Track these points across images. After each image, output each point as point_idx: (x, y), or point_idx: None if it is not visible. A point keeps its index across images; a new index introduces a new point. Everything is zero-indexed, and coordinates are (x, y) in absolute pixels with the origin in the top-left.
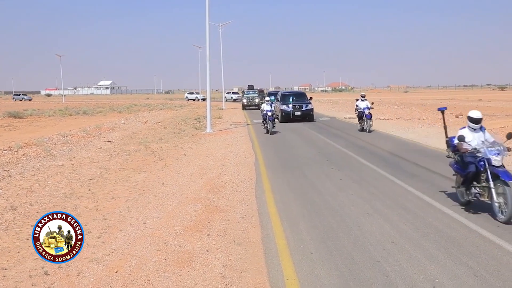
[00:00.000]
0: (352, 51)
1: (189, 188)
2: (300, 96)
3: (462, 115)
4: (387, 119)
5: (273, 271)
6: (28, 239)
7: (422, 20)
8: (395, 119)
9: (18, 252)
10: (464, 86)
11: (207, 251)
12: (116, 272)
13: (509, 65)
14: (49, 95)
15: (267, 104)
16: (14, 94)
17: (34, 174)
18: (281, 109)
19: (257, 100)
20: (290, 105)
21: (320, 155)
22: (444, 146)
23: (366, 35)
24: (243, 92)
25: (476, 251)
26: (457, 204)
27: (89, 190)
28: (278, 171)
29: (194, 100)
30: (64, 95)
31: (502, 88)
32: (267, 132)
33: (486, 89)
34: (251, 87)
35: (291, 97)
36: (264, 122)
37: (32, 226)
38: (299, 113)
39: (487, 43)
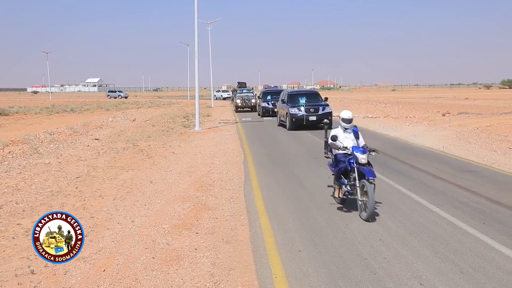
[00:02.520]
0: (340, 50)
1: (177, 186)
2: (313, 96)
3: (449, 113)
4: (375, 117)
5: (262, 269)
6: (14, 238)
7: (410, 19)
8: (383, 117)
9: (4, 251)
10: (451, 84)
11: (196, 249)
12: (104, 270)
13: (495, 64)
14: (35, 92)
15: (347, 131)
16: (109, 91)
17: (20, 172)
18: (290, 113)
19: (253, 101)
20: (303, 108)
21: (308, 152)
22: (431, 144)
23: (355, 34)
24: (234, 90)
25: (462, 248)
26: (442, 202)
27: (76, 188)
28: (267, 169)
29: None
30: (51, 92)
31: (488, 87)
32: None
33: (472, 87)
34: (242, 85)
35: (302, 97)
36: (348, 182)
37: (18, 224)
38: (314, 118)
39: (474, 42)
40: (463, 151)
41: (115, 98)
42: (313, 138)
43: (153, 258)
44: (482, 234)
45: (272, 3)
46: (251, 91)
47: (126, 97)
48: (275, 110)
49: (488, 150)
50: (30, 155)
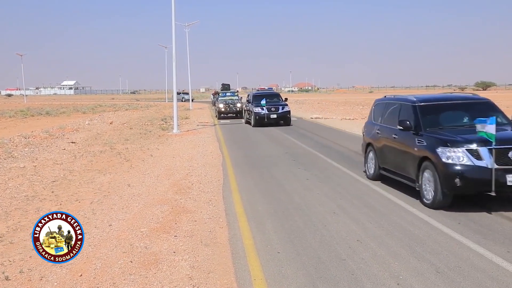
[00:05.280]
0: (318, 52)
1: (155, 189)
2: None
3: None
4: (353, 119)
5: (241, 272)
6: None
7: (387, 23)
8: (361, 119)
9: None
10: (426, 86)
11: (174, 252)
12: (81, 275)
13: (468, 66)
14: (9, 95)
15: None
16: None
17: None
18: (451, 164)
19: (238, 105)
20: (486, 152)
21: (287, 154)
22: None
23: (332, 37)
24: (217, 93)
25: (438, 248)
26: (419, 202)
27: (52, 192)
28: (246, 171)
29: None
30: (26, 95)
31: (462, 89)
32: None
33: (447, 89)
34: (226, 87)
35: (457, 114)
36: None
37: None
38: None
39: (449, 45)
40: None
41: (181, 100)
42: (292, 140)
43: (131, 262)
44: (458, 233)
45: (249, 6)
46: (236, 94)
47: (192, 100)
48: (272, 116)
49: None
50: (4, 159)
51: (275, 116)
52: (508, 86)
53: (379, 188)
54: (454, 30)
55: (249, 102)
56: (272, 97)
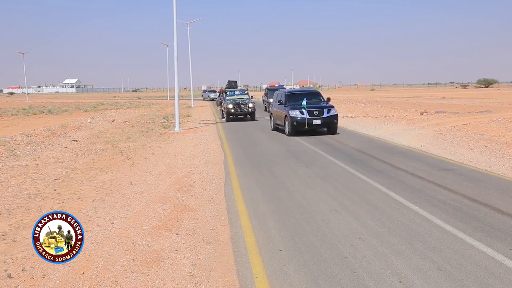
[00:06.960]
0: (319, 50)
1: (157, 187)
2: None
3: (426, 112)
4: (355, 116)
5: (242, 269)
6: None
7: (387, 21)
8: (362, 117)
9: None
10: (428, 84)
11: (176, 250)
12: (83, 273)
13: (470, 64)
14: (11, 93)
15: None
16: (203, 91)
17: None
18: None
19: (250, 105)
20: None
21: (289, 152)
22: (410, 143)
23: (334, 35)
24: (223, 91)
25: (440, 246)
26: (420, 200)
27: (54, 190)
28: (247, 169)
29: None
30: (28, 94)
31: (464, 86)
32: None
33: (449, 87)
34: (232, 84)
35: None
36: None
37: None
38: None
39: (451, 43)
40: (441, 149)
41: (208, 99)
42: (295, 139)
43: (133, 260)
44: (460, 231)
45: (251, 4)
46: (246, 92)
47: (214, 99)
48: (315, 122)
49: (465, 148)
50: (7, 157)
51: (318, 122)
52: (511, 84)
53: (380, 185)
54: (456, 27)
55: (281, 103)
56: (311, 97)
